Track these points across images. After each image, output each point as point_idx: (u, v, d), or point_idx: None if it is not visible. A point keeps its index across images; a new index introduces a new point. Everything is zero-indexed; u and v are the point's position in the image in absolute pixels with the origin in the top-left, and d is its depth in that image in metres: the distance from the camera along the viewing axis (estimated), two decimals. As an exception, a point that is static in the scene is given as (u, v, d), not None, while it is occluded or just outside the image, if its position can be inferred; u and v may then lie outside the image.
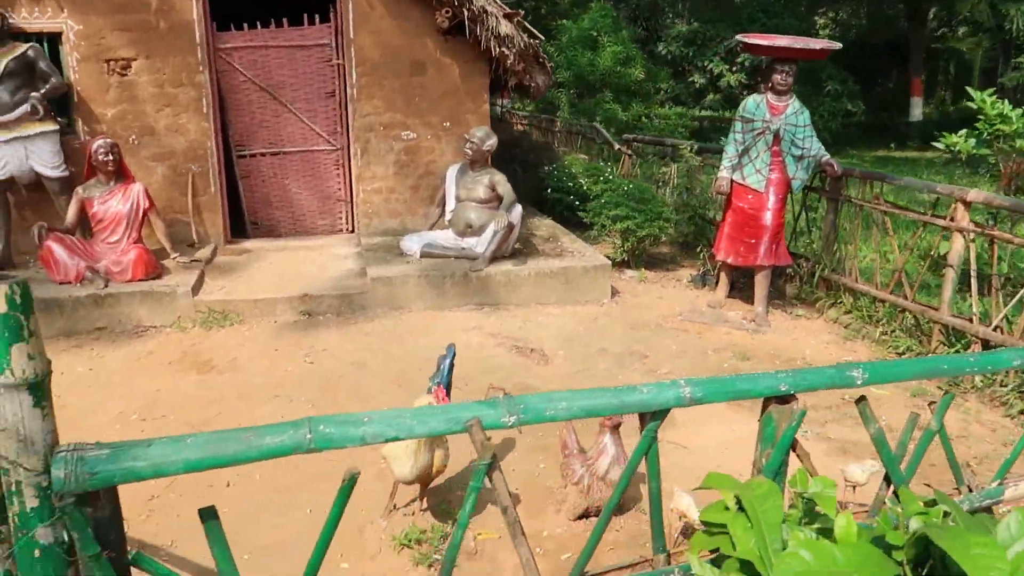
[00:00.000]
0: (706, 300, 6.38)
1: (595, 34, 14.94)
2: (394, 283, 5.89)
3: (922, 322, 5.18)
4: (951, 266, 4.86)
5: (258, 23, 6.86)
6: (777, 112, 5.73)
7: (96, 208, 5.88)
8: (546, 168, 8.94)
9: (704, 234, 7.83)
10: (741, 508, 1.44)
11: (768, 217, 5.81)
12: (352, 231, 7.45)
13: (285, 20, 6.91)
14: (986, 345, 4.65)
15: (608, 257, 6.72)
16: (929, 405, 2.74)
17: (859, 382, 1.73)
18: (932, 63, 26.89)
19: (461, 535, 1.64)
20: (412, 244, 6.41)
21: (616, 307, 6.19)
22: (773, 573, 1.16)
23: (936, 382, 4.73)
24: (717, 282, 6.55)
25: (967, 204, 4.74)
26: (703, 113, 18.25)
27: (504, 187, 6.33)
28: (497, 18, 6.49)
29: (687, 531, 3.08)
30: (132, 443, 1.36)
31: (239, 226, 7.26)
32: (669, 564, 1.78)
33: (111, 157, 5.81)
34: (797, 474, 1.61)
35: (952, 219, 4.83)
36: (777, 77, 5.66)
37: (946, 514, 1.40)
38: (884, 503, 2.00)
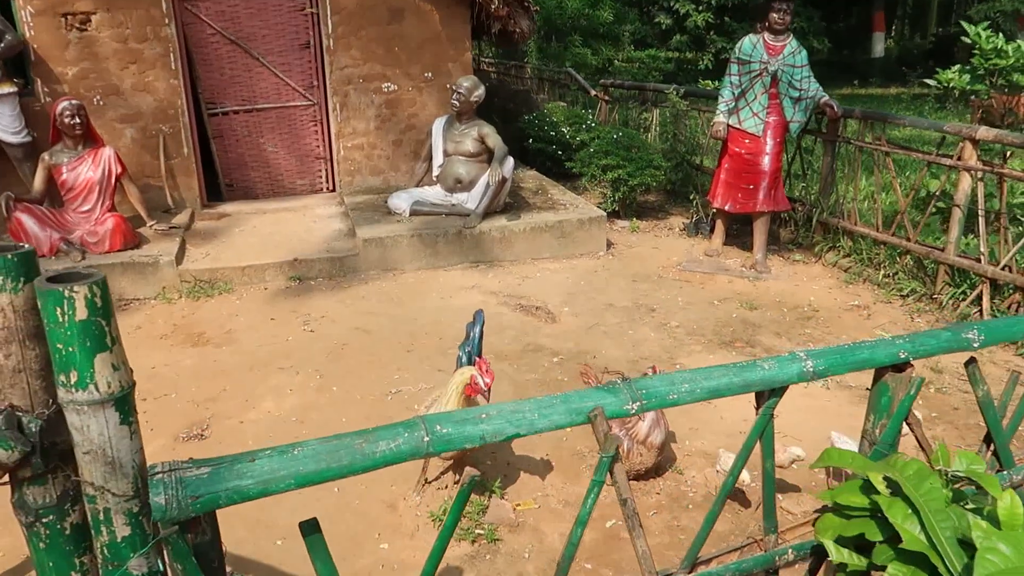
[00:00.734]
0: (702, 249, 6.31)
1: (561, -25, 14.53)
2: (386, 244, 5.69)
3: (926, 263, 5.16)
4: (958, 206, 4.83)
5: (223, -29, 6.45)
6: (775, 52, 5.58)
7: (65, 175, 5.53)
8: (526, 117, 8.70)
9: (691, 181, 7.73)
10: (893, 492, 1.33)
11: (766, 162, 5.71)
12: (333, 190, 7.18)
13: (252, -33, 6.51)
14: (995, 285, 4.65)
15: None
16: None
17: (976, 344, 1.63)
18: (891, -3, 26.83)
19: (580, 533, 1.52)
20: (400, 202, 6.19)
21: (613, 259, 6.07)
22: (976, 573, 1.05)
23: (947, 323, 4.74)
24: (712, 230, 6.46)
25: (975, 142, 4.68)
26: (669, 55, 17.97)
27: (494, 139, 6.11)
28: (479, -40, 6.19)
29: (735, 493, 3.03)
30: (234, 458, 1.21)
31: (214, 189, 6.94)
32: (779, 545, 1.68)
33: (78, 120, 5.44)
34: (939, 450, 1.50)
35: (960, 158, 4.77)
36: (775, 16, 5.49)
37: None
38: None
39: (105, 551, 1.14)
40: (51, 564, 1.19)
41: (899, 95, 17.45)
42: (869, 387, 3.92)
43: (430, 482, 3.17)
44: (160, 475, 1.13)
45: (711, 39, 18.60)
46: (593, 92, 10.38)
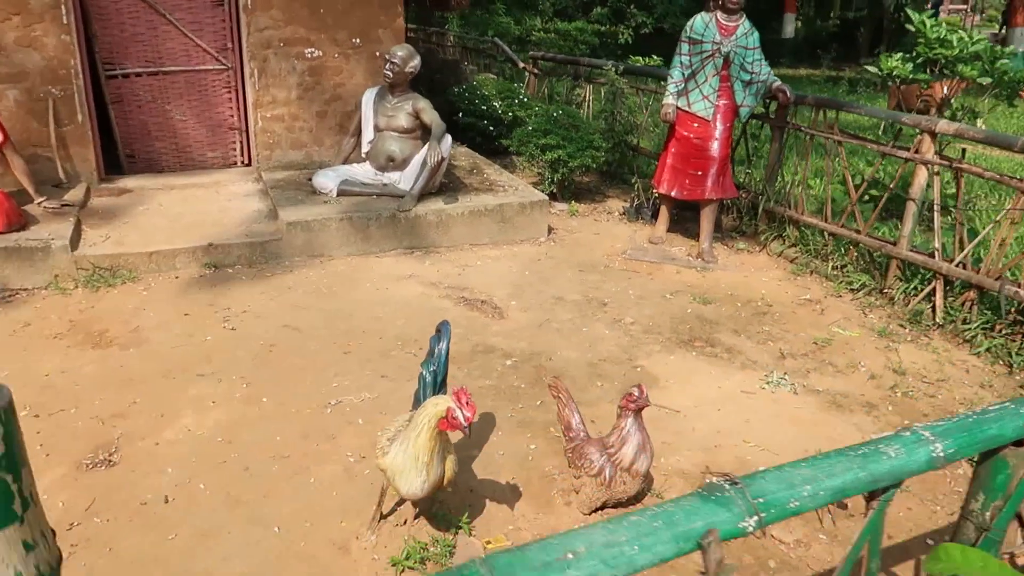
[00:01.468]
0: (645, 235, 6.08)
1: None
2: (312, 228, 5.18)
3: (877, 257, 5.09)
4: (912, 200, 4.74)
5: (120, -87, 5.68)
6: (727, 33, 5.34)
7: (-68, 144, 4.75)
8: (455, 90, 8.23)
9: (628, 162, 7.49)
10: None
11: (715, 147, 5.50)
12: (249, 164, 6.56)
13: (154, -90, 5.77)
14: (948, 282, 4.60)
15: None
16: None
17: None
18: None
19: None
20: (327, 181, 5.67)
21: (555, 246, 5.76)
22: None
23: (900, 319, 4.67)
24: (655, 215, 6.24)
25: (934, 135, 4.58)
26: (592, 27, 17.68)
27: (431, 114, 5.66)
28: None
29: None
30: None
31: (113, 161, 6.20)
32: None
33: (-54, 80, 4.67)
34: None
35: (917, 151, 4.67)
36: (730, -7, 5.24)
37: None
38: None
39: None
40: None
41: (810, 76, 17.78)
42: (839, 394, 3.82)
43: (385, 517, 2.79)
44: None
45: (632, 13, 18.43)
46: (521, 64, 9.98)
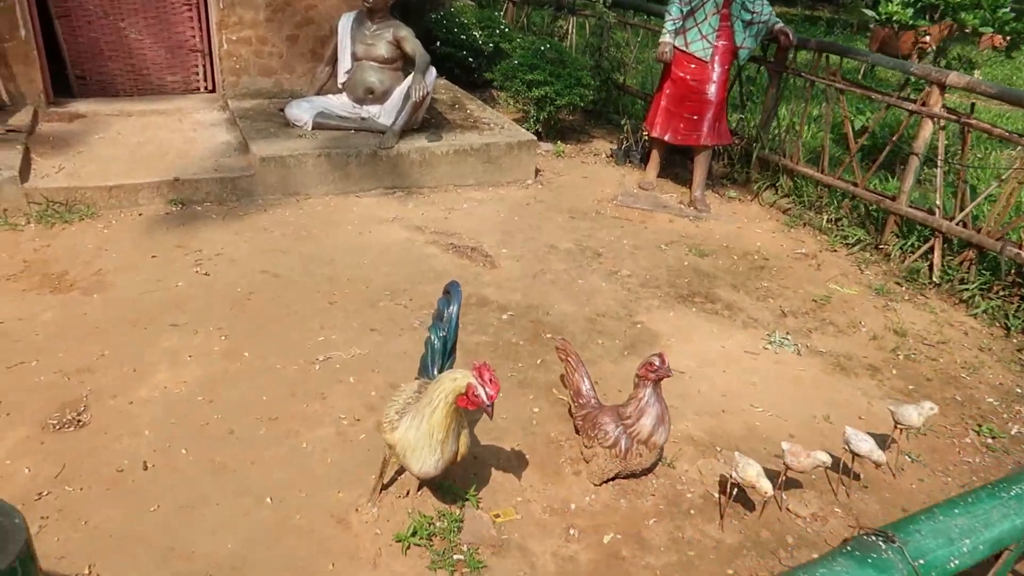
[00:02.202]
0: (634, 179, 5.86)
1: None
2: (288, 164, 4.83)
3: (873, 211, 4.97)
4: (916, 154, 4.60)
5: None
6: (730, -31, 5.05)
7: None
8: (432, 16, 7.76)
9: (615, 102, 7.20)
10: None
11: (713, 90, 5.26)
12: (213, 91, 6.09)
13: None
14: (947, 240, 4.51)
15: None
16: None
17: None
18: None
19: None
20: (301, 113, 5.29)
21: (543, 189, 5.52)
22: None
23: (896, 276, 4.58)
24: (644, 159, 6.02)
25: (943, 87, 4.41)
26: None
27: (413, 44, 5.28)
28: None
29: (734, 494, 2.66)
30: None
31: (61, 83, 5.69)
32: None
33: None
34: None
35: (924, 103, 4.50)
36: (736, -73, 4.93)
37: None
38: None
39: None
40: None
41: (785, 15, 17.45)
42: (842, 355, 3.72)
43: (387, 486, 2.61)
44: None
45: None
46: (499, -10, 9.50)
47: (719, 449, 2.98)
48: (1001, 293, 4.22)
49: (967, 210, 4.36)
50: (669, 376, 2.55)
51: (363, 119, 5.39)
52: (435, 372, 2.43)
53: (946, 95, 4.55)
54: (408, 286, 3.96)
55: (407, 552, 2.38)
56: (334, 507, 2.54)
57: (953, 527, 0.98)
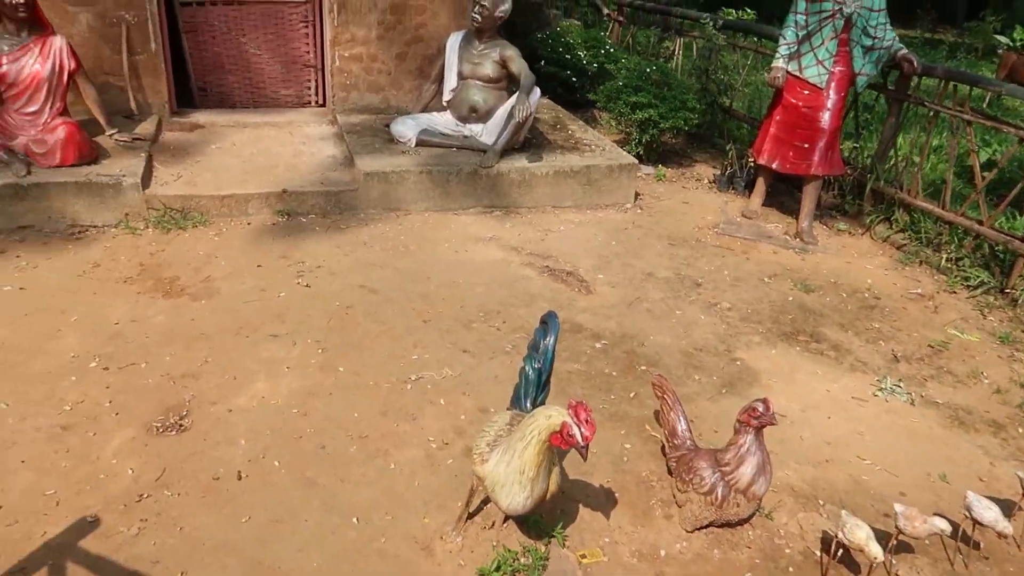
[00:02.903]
0: (737, 207, 5.67)
1: None
2: (390, 179, 4.91)
3: (1000, 252, 4.63)
4: (1052, 194, 4.26)
5: None
6: (852, -8, 4.83)
7: (6, 67, 4.56)
8: (539, 36, 7.79)
9: (719, 126, 7.02)
10: None
11: (826, 118, 5.04)
12: (323, 105, 6.28)
13: None
14: (1086, 288, 4.15)
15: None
16: None
17: None
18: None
19: None
20: (406, 129, 5.37)
21: (642, 214, 5.41)
22: None
23: (1023, 323, 4.25)
24: (749, 187, 5.82)
25: (1088, 125, 4.08)
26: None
27: (519, 64, 5.29)
28: None
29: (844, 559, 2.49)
30: None
31: (183, 93, 5.98)
32: None
33: None
34: None
35: (1065, 140, 4.18)
36: (860, -52, 4.72)
37: None
38: None
39: None
40: None
41: (904, 38, 16.68)
42: (961, 408, 3.46)
43: (473, 515, 2.57)
44: None
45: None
46: (606, 11, 9.46)
47: (822, 503, 2.80)
48: None
49: (1110, 257, 4.01)
50: (773, 424, 2.42)
51: (465, 137, 5.43)
52: (528, 404, 2.38)
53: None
54: (501, 308, 3.94)
55: (490, 587, 2.34)
56: (419, 532, 2.52)
57: None
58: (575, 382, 3.38)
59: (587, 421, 1.94)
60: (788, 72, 5.10)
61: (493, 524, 2.55)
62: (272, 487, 2.67)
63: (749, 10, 9.25)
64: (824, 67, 4.99)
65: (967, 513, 2.51)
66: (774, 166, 5.27)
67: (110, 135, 4.99)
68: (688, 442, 2.70)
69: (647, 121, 6.03)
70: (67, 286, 3.84)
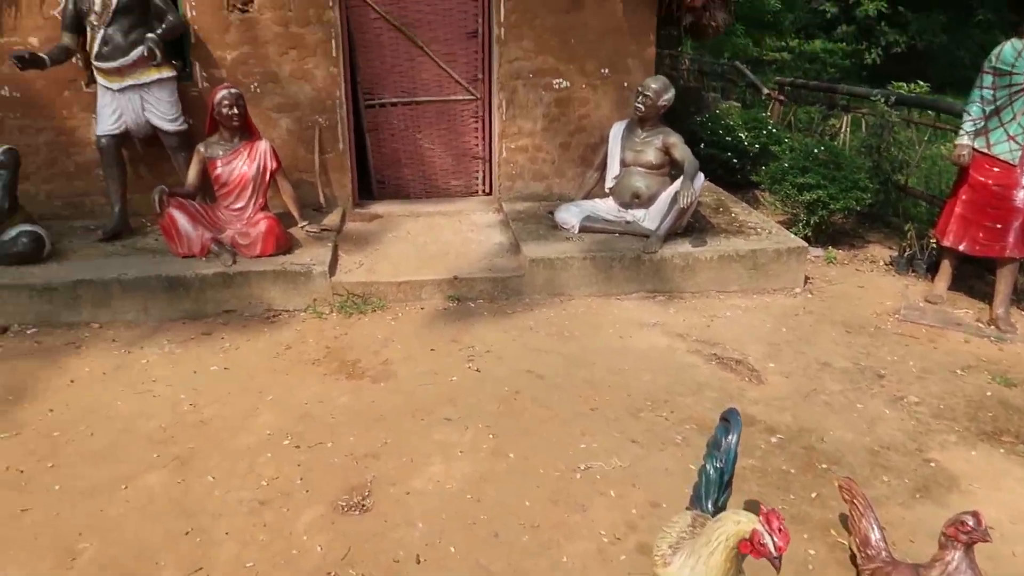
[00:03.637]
0: (918, 291, 5.33)
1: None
2: (555, 265, 5.03)
3: None
4: None
5: (392, -50, 5.92)
6: (1047, 65, 4.53)
7: (220, 170, 5.16)
8: (698, 119, 7.83)
9: (893, 204, 6.69)
10: None
11: (1021, 196, 4.69)
12: (489, 193, 6.59)
13: (422, -54, 5.95)
14: None
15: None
16: None
17: None
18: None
19: None
20: (570, 216, 5.52)
21: (813, 299, 5.20)
22: None
23: None
24: (930, 269, 5.47)
25: None
26: (835, 47, 16.40)
27: (682, 150, 5.34)
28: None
29: None
30: None
31: (364, 186, 6.49)
32: None
33: (236, 110, 5.05)
34: None
35: None
36: (1056, 18, 4.45)
37: None
38: None
39: None
40: None
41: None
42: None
43: (648, 618, 2.50)
44: None
45: (882, 30, 16.90)
46: (766, 91, 9.38)
47: (1044, 633, 2.50)
48: None
49: None
50: (987, 541, 2.21)
51: (628, 223, 5.50)
52: (709, 505, 2.32)
53: None
54: (668, 397, 3.88)
55: None
56: (594, 632, 2.48)
57: None
58: (749, 479, 3.25)
59: (780, 530, 1.86)
60: (975, 149, 4.82)
61: (671, 629, 2.46)
62: (449, 572, 2.73)
63: (921, 83, 8.87)
64: (1016, 143, 4.68)
65: None
66: (961, 248, 4.94)
67: (302, 227, 5.47)
68: (883, 553, 2.51)
69: (815, 202, 5.86)
70: (264, 367, 4.19)
